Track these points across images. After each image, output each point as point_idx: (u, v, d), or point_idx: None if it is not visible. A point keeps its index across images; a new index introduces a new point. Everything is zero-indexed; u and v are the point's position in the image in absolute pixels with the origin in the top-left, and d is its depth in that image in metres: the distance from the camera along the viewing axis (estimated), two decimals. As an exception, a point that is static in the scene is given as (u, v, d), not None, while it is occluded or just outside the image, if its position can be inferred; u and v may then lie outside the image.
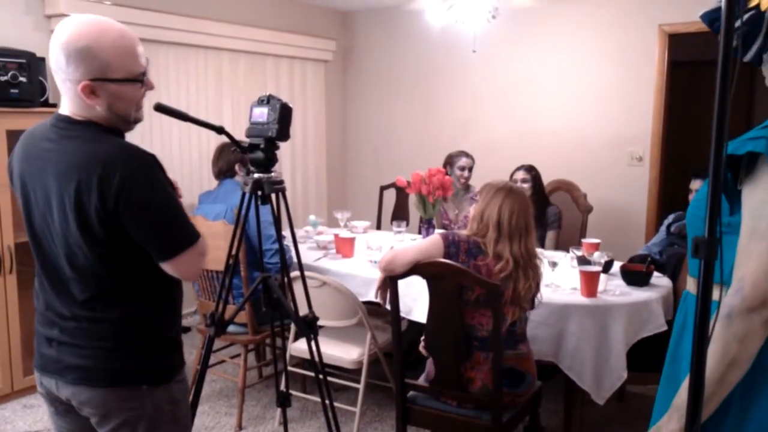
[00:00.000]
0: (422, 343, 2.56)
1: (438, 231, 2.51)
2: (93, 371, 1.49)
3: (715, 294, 1.34)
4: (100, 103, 1.44)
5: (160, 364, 1.56)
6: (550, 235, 4.02)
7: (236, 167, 3.55)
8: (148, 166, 1.43)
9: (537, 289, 2.48)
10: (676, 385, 1.39)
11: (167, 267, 1.50)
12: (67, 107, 1.48)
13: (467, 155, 4.37)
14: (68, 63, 1.40)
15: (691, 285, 1.49)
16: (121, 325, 1.50)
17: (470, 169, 4.34)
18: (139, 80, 1.48)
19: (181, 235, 1.50)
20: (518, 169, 4.10)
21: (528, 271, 2.39)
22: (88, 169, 1.38)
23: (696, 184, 3.74)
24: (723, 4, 0.97)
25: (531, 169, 4.07)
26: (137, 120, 1.54)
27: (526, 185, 3.99)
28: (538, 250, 2.56)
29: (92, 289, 1.48)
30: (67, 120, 1.47)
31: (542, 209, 4.05)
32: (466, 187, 4.37)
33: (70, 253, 1.46)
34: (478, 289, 2.35)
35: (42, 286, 1.56)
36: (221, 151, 3.57)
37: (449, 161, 4.40)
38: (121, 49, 1.44)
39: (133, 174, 1.40)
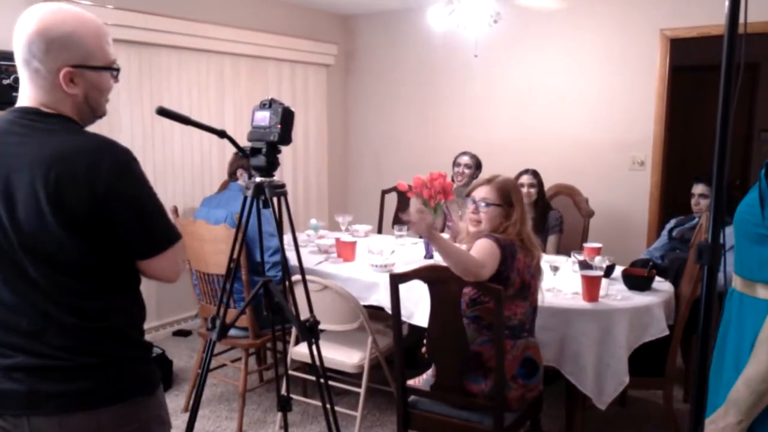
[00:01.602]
0: (424, 348, 2.56)
1: (488, 239, 2.43)
2: (85, 392, 1.36)
3: (764, 293, 1.37)
4: (77, 92, 1.40)
5: (150, 371, 1.50)
6: (552, 240, 4.02)
7: (238, 172, 3.57)
8: (134, 159, 1.40)
9: None
10: (722, 376, 1.45)
11: (149, 265, 1.45)
12: (33, 99, 1.39)
13: (469, 154, 4.41)
14: (48, 50, 1.35)
15: (737, 282, 1.53)
16: (108, 335, 1.40)
17: (469, 167, 4.35)
18: (115, 69, 1.46)
19: (167, 231, 1.45)
20: (524, 173, 4.09)
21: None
22: (74, 159, 1.32)
23: (698, 189, 3.74)
24: (727, 7, 0.97)
25: (536, 174, 4.08)
26: (102, 114, 1.50)
27: (533, 190, 4.01)
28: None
29: (74, 293, 1.36)
30: (37, 112, 1.38)
31: (544, 213, 4.05)
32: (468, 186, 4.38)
33: (43, 250, 1.33)
34: (517, 283, 2.42)
35: None
36: (234, 155, 3.59)
37: (453, 161, 4.45)
38: (100, 36, 1.42)
39: (122, 165, 1.36)
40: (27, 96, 1.40)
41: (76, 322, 1.37)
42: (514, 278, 2.41)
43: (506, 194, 2.51)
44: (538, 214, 4.03)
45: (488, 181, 2.56)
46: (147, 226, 1.42)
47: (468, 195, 2.61)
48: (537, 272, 2.54)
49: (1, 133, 1.38)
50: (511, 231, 2.46)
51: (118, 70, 1.47)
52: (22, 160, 1.33)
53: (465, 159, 4.39)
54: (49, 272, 1.35)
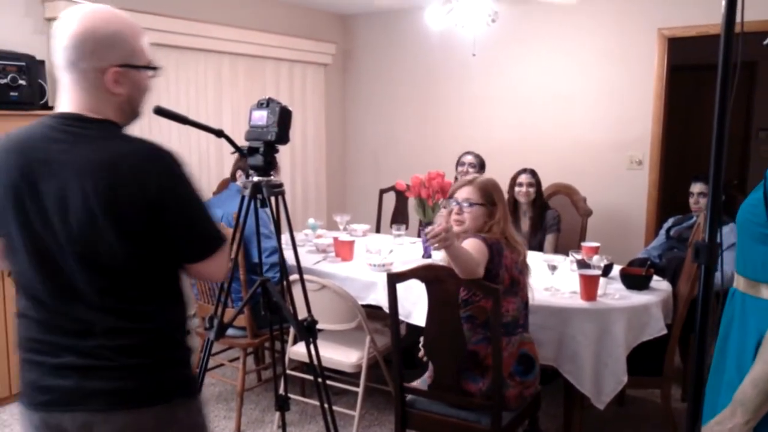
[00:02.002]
0: (422, 350, 2.56)
1: (475, 239, 2.45)
2: (129, 391, 1.38)
3: (766, 292, 1.37)
4: (122, 92, 1.40)
5: (190, 374, 1.51)
6: (550, 239, 4.02)
7: (237, 174, 3.58)
8: (180, 162, 1.40)
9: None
10: (723, 376, 1.45)
11: (200, 267, 1.46)
12: (75, 104, 1.38)
13: (473, 154, 4.43)
14: (95, 49, 1.35)
15: (740, 283, 1.54)
16: (153, 336, 1.41)
17: (474, 166, 4.37)
18: (154, 68, 1.46)
19: (216, 233, 1.47)
20: (522, 172, 4.09)
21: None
22: (123, 165, 1.32)
23: (696, 188, 3.75)
24: (723, 6, 0.97)
25: (534, 173, 4.08)
26: (139, 115, 1.50)
27: (531, 189, 4.02)
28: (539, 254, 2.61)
29: (120, 297, 1.37)
30: (80, 118, 1.37)
31: (541, 213, 4.05)
32: None
33: (94, 257, 1.34)
34: (507, 280, 2.44)
35: (41, 308, 1.40)
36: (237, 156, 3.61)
37: (457, 160, 4.46)
38: (141, 35, 1.43)
39: (172, 168, 1.37)
40: (69, 100, 1.39)
41: (122, 324, 1.38)
42: (503, 275, 2.43)
43: (488, 194, 2.55)
44: (536, 214, 4.03)
45: (469, 182, 2.60)
46: (198, 229, 1.44)
47: (450, 196, 2.63)
48: (524, 268, 2.57)
49: (45, 140, 1.37)
50: (495, 230, 2.51)
51: (157, 69, 1.46)
52: (71, 168, 1.32)
53: (469, 158, 4.41)
54: (96, 276, 1.36)
